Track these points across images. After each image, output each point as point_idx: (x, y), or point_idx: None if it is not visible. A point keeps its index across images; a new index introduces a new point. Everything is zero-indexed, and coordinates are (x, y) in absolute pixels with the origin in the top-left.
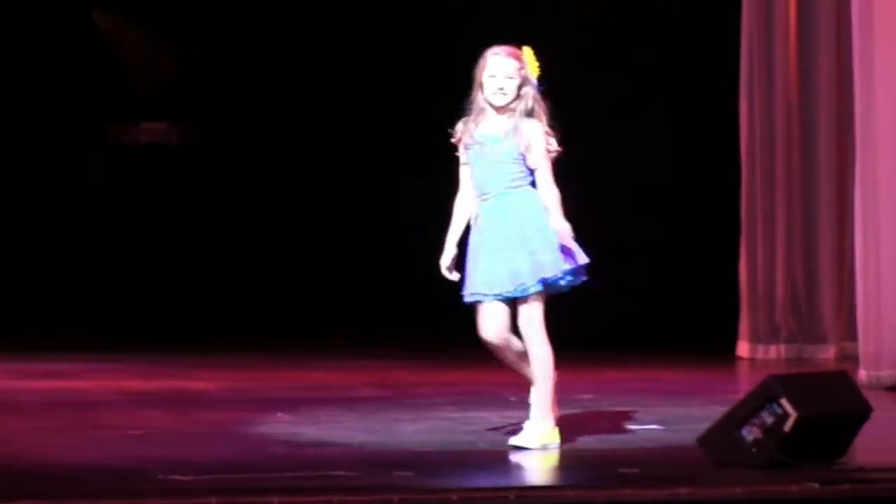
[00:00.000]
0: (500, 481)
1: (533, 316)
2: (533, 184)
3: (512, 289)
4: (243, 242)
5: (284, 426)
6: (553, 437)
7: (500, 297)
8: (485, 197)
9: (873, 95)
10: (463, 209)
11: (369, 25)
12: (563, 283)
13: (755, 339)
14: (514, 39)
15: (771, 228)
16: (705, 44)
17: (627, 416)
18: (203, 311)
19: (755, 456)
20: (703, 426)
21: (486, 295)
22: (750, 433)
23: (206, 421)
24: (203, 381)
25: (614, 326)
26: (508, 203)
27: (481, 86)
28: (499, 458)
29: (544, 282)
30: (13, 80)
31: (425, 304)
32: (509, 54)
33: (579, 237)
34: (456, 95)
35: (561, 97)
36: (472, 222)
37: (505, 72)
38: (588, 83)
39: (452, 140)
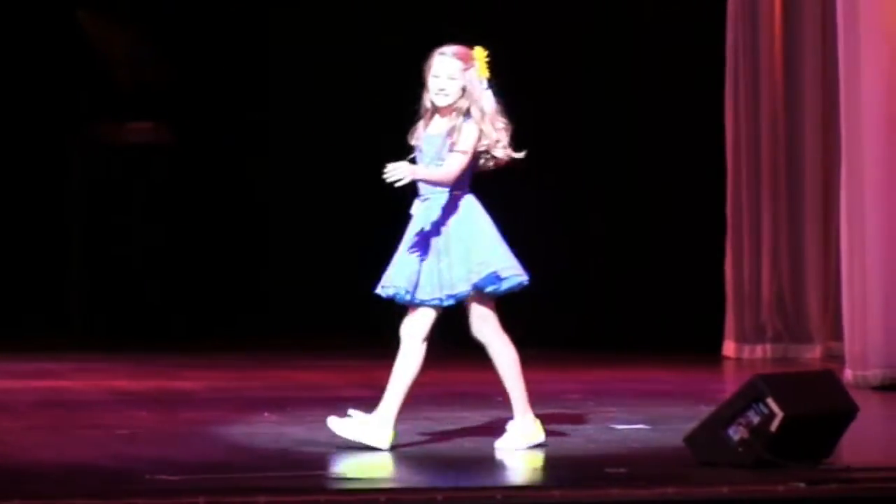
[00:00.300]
0: (487, 481)
1: (487, 316)
2: (470, 188)
3: (427, 297)
4: (232, 241)
5: (271, 426)
6: (538, 433)
7: (414, 300)
8: (422, 198)
9: (859, 95)
10: None
11: (363, 21)
12: (488, 290)
13: (741, 339)
14: (497, 37)
15: (757, 228)
16: (690, 42)
17: (614, 416)
18: (191, 310)
19: (742, 455)
20: (690, 426)
21: (408, 292)
22: (736, 433)
23: (194, 421)
24: (190, 380)
25: (600, 326)
26: (438, 208)
27: (427, 86)
28: (485, 458)
29: (455, 298)
30: None
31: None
32: (454, 55)
33: (558, 237)
34: None
35: (546, 96)
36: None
37: (447, 72)
38: (574, 82)
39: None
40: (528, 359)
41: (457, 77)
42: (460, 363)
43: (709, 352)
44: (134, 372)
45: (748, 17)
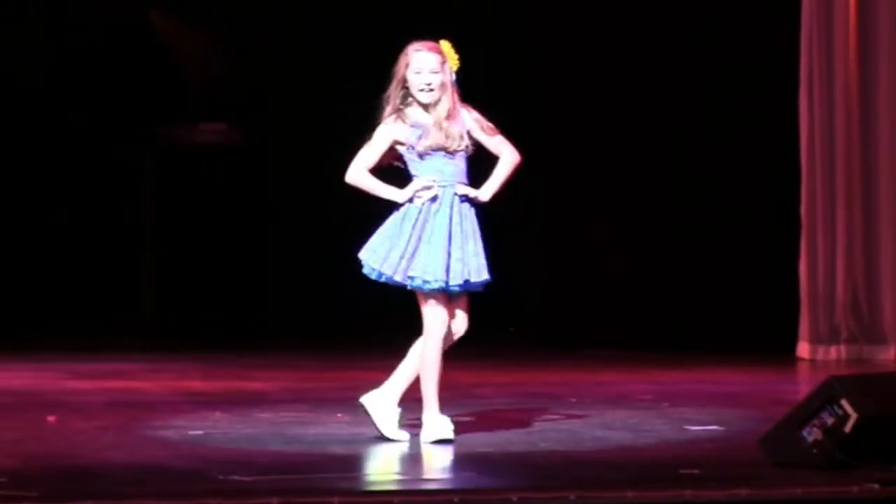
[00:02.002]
0: (561, 482)
1: None
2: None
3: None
4: (307, 240)
5: (344, 427)
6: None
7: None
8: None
9: None
10: None
11: (437, 24)
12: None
13: (815, 340)
14: (574, 38)
15: (831, 229)
16: (765, 41)
17: (687, 417)
18: (263, 310)
19: (815, 457)
20: (763, 427)
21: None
22: (810, 434)
23: (267, 421)
24: (262, 381)
25: (674, 327)
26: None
27: (403, 83)
28: (560, 459)
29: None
30: (71, 80)
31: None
32: (431, 49)
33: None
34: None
35: (620, 96)
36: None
37: (430, 67)
38: (649, 83)
39: None
40: (602, 359)
41: (438, 71)
42: (532, 364)
43: (783, 353)
44: (206, 373)
45: (823, 17)
